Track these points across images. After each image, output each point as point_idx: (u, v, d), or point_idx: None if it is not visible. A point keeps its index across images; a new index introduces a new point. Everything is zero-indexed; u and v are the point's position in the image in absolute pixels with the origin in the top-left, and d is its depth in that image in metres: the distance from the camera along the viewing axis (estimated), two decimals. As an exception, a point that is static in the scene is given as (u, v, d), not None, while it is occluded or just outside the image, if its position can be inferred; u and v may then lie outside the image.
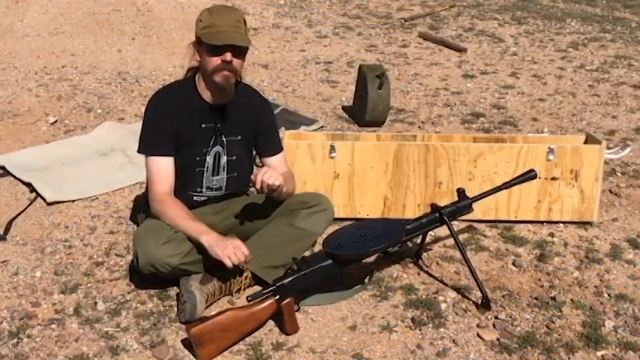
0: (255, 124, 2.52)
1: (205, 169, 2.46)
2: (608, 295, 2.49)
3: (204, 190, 2.50)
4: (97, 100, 4.60)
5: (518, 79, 5.43)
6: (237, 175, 2.53)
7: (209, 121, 2.42)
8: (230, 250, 2.15)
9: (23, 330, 2.20)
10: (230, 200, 2.57)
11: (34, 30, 6.47)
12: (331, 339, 2.20)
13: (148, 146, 2.39)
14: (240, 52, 2.31)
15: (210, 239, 2.20)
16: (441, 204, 2.48)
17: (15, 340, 2.15)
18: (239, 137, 2.49)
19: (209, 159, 2.46)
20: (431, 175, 2.92)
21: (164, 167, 2.37)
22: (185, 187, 2.46)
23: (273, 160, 2.56)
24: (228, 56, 2.26)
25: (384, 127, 4.21)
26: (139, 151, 2.42)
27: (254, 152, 2.64)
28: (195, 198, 2.50)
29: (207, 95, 2.41)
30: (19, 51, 5.79)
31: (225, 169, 2.50)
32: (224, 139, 2.46)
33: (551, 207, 2.96)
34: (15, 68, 5.29)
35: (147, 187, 2.44)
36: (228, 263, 2.15)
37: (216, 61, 2.28)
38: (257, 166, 3.25)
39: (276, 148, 2.58)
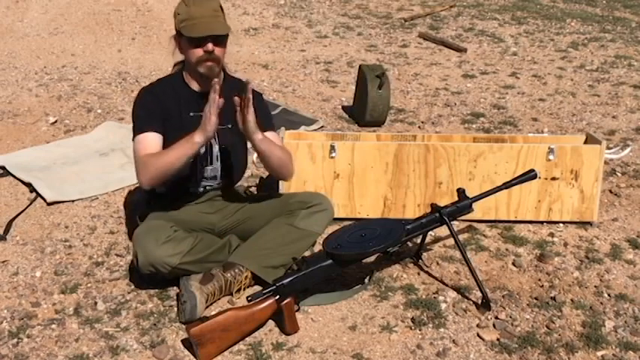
0: None
1: (198, 158, 2.46)
2: (608, 295, 2.49)
3: (199, 180, 2.50)
4: (97, 100, 4.60)
5: (518, 79, 5.43)
6: (231, 163, 2.53)
7: (197, 110, 2.41)
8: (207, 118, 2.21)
9: (23, 330, 2.20)
10: (229, 199, 2.57)
11: (34, 30, 6.47)
12: (331, 339, 2.20)
13: (137, 128, 2.39)
14: (221, 40, 2.33)
15: (195, 134, 2.23)
16: (441, 204, 2.48)
17: (15, 340, 2.15)
18: (230, 125, 2.47)
19: (201, 148, 2.46)
20: (431, 175, 2.92)
21: (150, 139, 2.34)
22: (180, 179, 2.46)
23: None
24: (209, 46, 2.29)
25: (384, 127, 4.21)
26: (133, 139, 2.41)
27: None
28: (191, 190, 2.50)
29: (194, 85, 2.42)
30: (19, 51, 5.79)
31: (219, 157, 2.50)
32: None
33: (551, 207, 2.96)
34: (15, 68, 5.30)
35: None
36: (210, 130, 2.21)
37: (198, 52, 2.30)
38: (255, 165, 3.25)
39: (267, 126, 2.50)
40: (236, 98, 2.27)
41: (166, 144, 2.37)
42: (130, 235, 2.37)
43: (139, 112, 2.41)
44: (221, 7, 2.38)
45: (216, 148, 2.48)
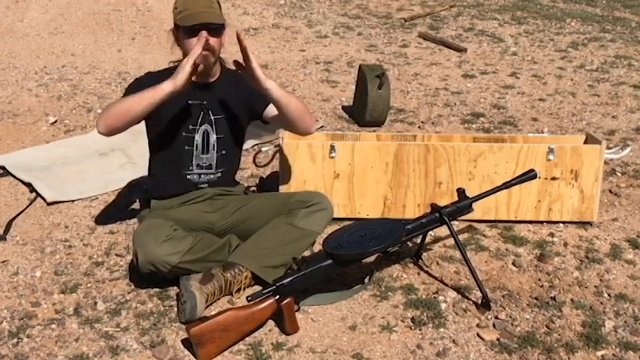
0: (246, 98, 2.53)
1: (194, 147, 2.48)
2: (608, 295, 2.49)
3: (194, 168, 2.51)
4: (97, 100, 4.60)
5: (518, 79, 5.43)
6: (227, 153, 2.55)
7: (195, 99, 2.46)
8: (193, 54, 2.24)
9: (23, 330, 2.20)
10: (229, 198, 2.57)
11: (34, 30, 6.47)
12: (331, 339, 2.20)
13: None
14: (216, 31, 2.36)
15: (165, 82, 2.24)
16: (441, 204, 2.48)
17: (15, 340, 2.15)
18: (227, 115, 2.51)
19: (197, 137, 2.48)
20: (431, 175, 2.92)
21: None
22: (176, 167, 2.49)
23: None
24: (203, 34, 2.31)
25: (384, 127, 4.21)
26: None
27: (261, 149, 2.60)
28: (188, 177, 2.51)
29: (192, 77, 2.43)
30: (19, 51, 5.79)
31: (215, 147, 2.51)
32: (212, 117, 2.49)
33: (551, 207, 2.96)
34: (15, 68, 5.30)
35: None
36: (194, 56, 2.23)
37: (193, 42, 2.33)
38: (255, 165, 3.25)
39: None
40: (235, 60, 2.33)
41: (161, 126, 2.44)
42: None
43: (131, 85, 2.45)
44: (218, 2, 2.44)
45: (213, 137, 2.50)
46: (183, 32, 2.36)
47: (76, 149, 3.70)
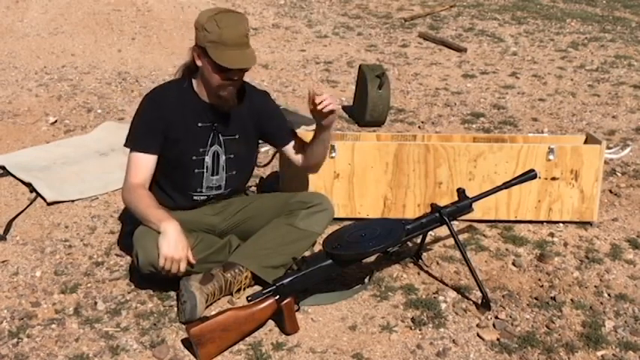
0: (258, 119, 2.49)
1: (205, 169, 2.44)
2: (608, 295, 2.49)
3: (204, 190, 2.48)
4: (97, 100, 4.60)
5: (518, 79, 5.43)
6: (237, 173, 2.51)
7: (206, 120, 2.40)
8: (171, 255, 2.17)
9: (23, 330, 2.20)
10: (229, 200, 2.57)
11: (34, 30, 6.47)
12: (331, 339, 2.20)
13: (133, 141, 2.39)
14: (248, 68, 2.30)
15: (167, 227, 2.20)
16: (441, 204, 2.48)
17: (15, 340, 2.15)
18: (237, 135, 2.46)
19: (208, 159, 2.43)
20: (431, 175, 2.92)
21: (143, 163, 2.37)
22: (184, 187, 2.46)
23: (293, 146, 2.54)
24: (236, 77, 2.27)
25: (384, 127, 4.21)
26: (125, 145, 2.41)
27: (261, 149, 2.61)
28: (195, 198, 2.49)
29: (204, 96, 2.38)
30: (19, 51, 5.79)
31: (225, 167, 2.48)
32: (222, 138, 2.43)
33: (551, 207, 2.96)
34: (15, 68, 5.30)
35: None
36: (161, 263, 2.18)
37: (223, 78, 2.26)
38: (257, 166, 3.25)
39: (290, 134, 2.55)
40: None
41: (170, 156, 2.39)
42: (131, 235, 2.39)
43: (138, 124, 2.40)
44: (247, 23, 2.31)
45: (222, 159, 2.46)
46: (213, 65, 2.23)
47: (76, 149, 3.70)
